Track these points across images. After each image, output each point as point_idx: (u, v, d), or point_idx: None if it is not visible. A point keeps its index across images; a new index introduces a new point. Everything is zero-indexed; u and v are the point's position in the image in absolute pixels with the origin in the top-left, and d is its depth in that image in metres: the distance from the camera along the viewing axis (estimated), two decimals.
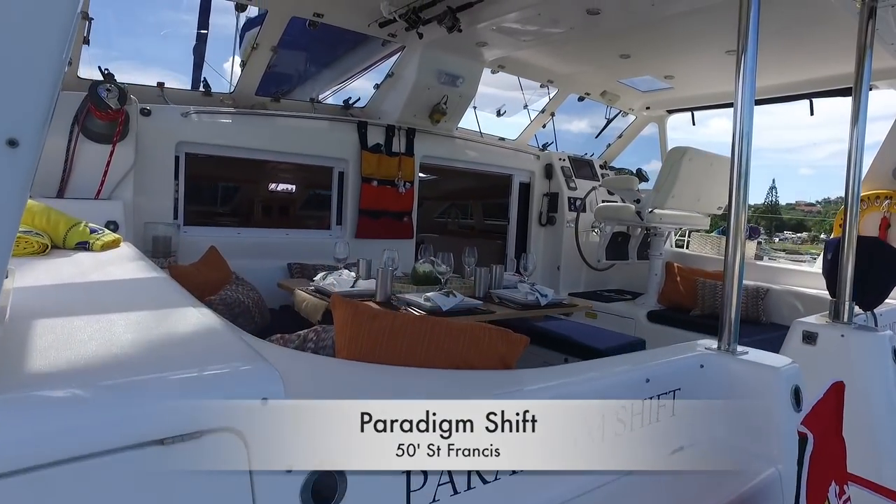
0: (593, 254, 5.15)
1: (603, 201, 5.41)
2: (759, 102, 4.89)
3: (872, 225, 4.31)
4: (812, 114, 4.71)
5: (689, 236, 5.55)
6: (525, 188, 5.47)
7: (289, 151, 4.22)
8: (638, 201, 4.45)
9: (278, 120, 4.11)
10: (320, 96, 4.49)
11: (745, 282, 4.73)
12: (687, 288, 4.70)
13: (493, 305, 3.08)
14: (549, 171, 5.46)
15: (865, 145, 2.71)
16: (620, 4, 3.26)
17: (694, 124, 5.55)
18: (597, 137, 6.03)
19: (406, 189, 4.50)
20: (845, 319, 2.74)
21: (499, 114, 5.52)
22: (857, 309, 2.76)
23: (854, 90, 2.64)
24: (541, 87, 5.20)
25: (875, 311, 3.26)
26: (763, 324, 4.30)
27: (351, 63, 4.61)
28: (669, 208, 4.44)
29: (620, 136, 6.07)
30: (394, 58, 4.42)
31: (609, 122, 5.87)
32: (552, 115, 5.55)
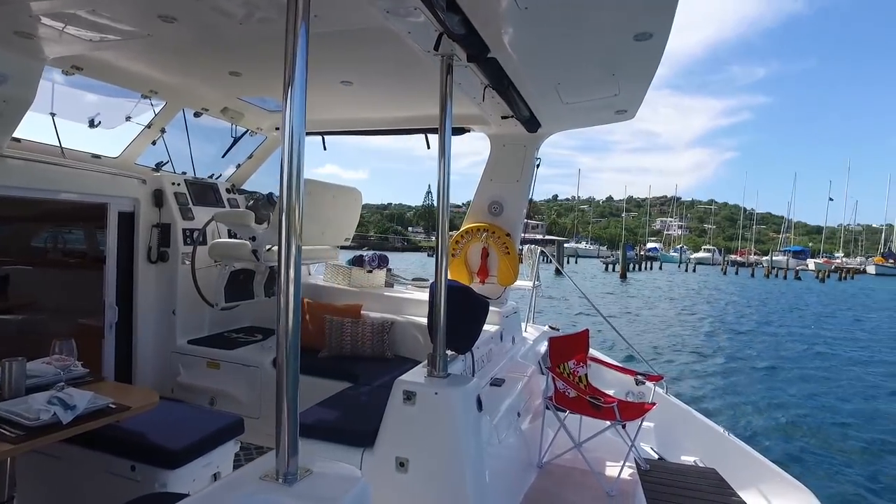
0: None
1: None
2: (382, 133, 4.97)
3: (475, 254, 4.75)
4: (429, 147, 4.97)
5: (327, 268, 5.35)
6: (128, 218, 4.46)
7: None
8: (254, 238, 3.98)
9: None
10: None
11: (373, 315, 4.78)
12: (316, 326, 4.45)
13: None
14: (158, 198, 4.56)
15: None
16: (194, 16, 2.70)
17: (325, 149, 5.38)
18: (223, 157, 5.38)
19: None
20: (440, 372, 2.75)
21: (92, 125, 4.40)
22: None
23: (440, 132, 2.74)
24: (143, 97, 4.29)
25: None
26: (388, 359, 4.32)
27: None
28: None
29: (251, 157, 5.54)
30: None
31: (237, 140, 5.28)
32: (162, 130, 4.67)
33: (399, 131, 4.84)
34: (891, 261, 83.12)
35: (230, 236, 4.83)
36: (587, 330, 4.28)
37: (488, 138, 4.66)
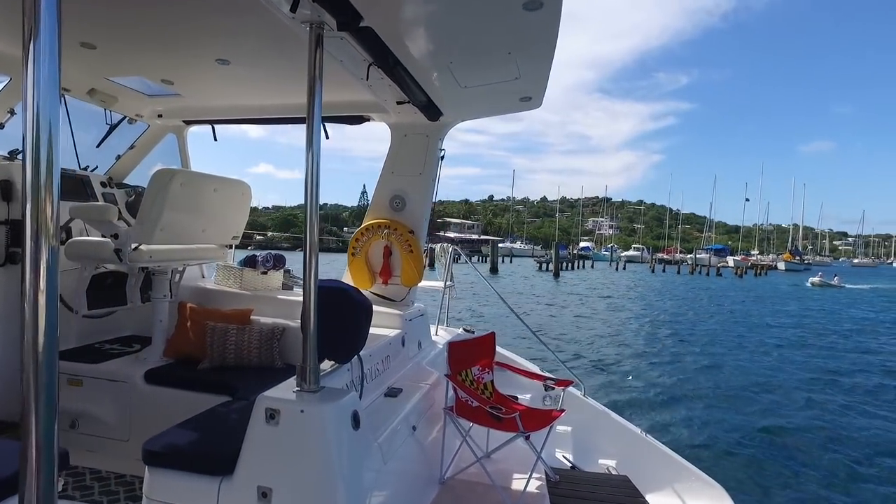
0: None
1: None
2: (271, 122, 4.55)
3: (377, 253, 4.42)
4: (327, 137, 4.60)
5: (218, 270, 4.86)
6: None
7: None
8: (116, 236, 3.48)
9: None
10: None
11: (263, 321, 4.36)
12: (197, 334, 3.98)
13: None
14: (6, 191, 3.96)
15: None
16: None
17: (216, 139, 4.90)
18: (98, 147, 4.79)
19: None
20: (310, 386, 2.41)
21: None
22: None
23: (307, 116, 2.34)
24: None
25: None
26: (277, 368, 3.92)
27: None
28: (162, 243, 3.62)
29: (132, 148, 4.98)
30: None
31: (113, 128, 4.72)
32: (11, 111, 4.08)
33: (288, 120, 4.43)
34: (797, 258, 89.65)
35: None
36: (493, 333, 4.03)
37: (388, 128, 4.34)
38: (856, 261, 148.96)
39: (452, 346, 3.58)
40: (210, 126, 4.80)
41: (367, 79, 3.02)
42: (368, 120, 4.32)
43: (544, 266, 60.02)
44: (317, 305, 2.37)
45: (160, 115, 4.73)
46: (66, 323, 4.20)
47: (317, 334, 2.38)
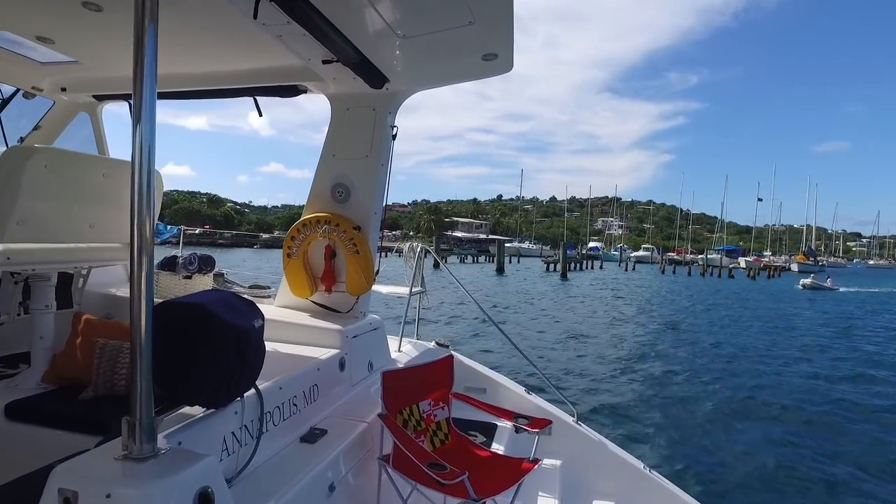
0: None
1: None
2: (191, 95, 3.77)
3: (317, 254, 3.63)
4: (260, 115, 3.81)
5: None
6: None
7: None
8: None
9: None
10: None
11: None
12: (87, 353, 3.20)
13: None
14: None
15: None
16: None
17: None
18: None
19: None
20: (139, 449, 1.62)
21: None
22: None
23: (134, 86, 1.53)
24: None
25: None
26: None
27: None
28: (21, 240, 2.83)
29: (37, 129, 4.21)
30: None
31: (5, 103, 3.96)
32: None
33: (212, 93, 3.65)
34: (811, 259, 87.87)
35: None
36: (450, 357, 3.19)
37: (328, 100, 3.54)
38: (871, 262, 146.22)
39: (387, 376, 2.75)
40: (127, 103, 4.01)
41: (256, 16, 2.24)
42: (304, 91, 3.53)
43: (552, 266, 58.99)
44: (149, 329, 1.60)
45: (63, 89, 3.96)
46: None
47: (150, 368, 1.60)
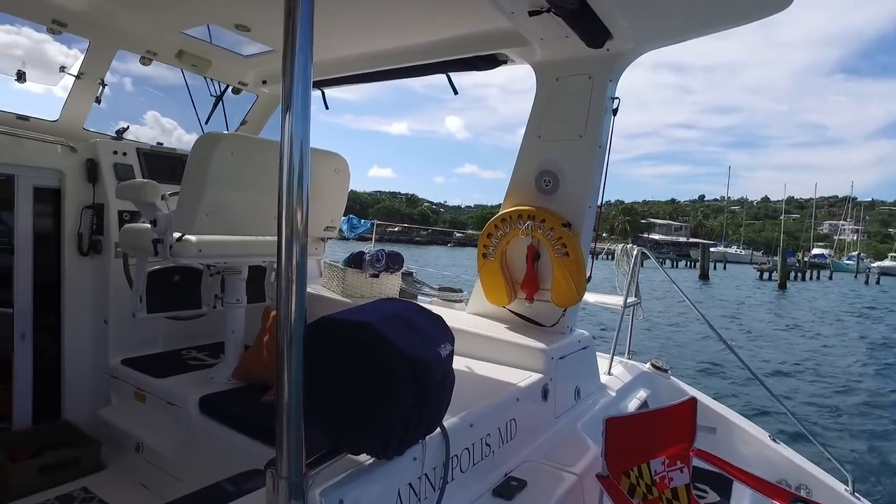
0: None
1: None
2: (385, 76, 3.45)
3: (518, 255, 3.03)
4: (455, 93, 3.36)
5: (323, 268, 3.91)
6: (48, 196, 3.37)
7: None
8: (155, 222, 2.62)
9: None
10: None
11: None
12: (273, 352, 3.02)
13: None
14: (93, 172, 3.42)
15: None
16: None
17: (327, 108, 3.96)
18: (206, 123, 4.17)
19: None
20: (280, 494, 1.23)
21: (20, 78, 3.44)
22: None
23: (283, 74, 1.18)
24: (50, 33, 3.18)
25: None
26: None
27: None
28: (210, 232, 2.68)
29: (244, 123, 4.28)
30: None
31: (218, 100, 4.05)
32: (102, 82, 3.55)
33: (403, 71, 3.27)
34: None
35: None
36: (692, 400, 2.33)
37: (533, 71, 2.92)
38: None
39: (612, 425, 2.03)
40: (321, 92, 3.86)
41: None
42: (504, 62, 2.97)
43: (766, 275, 51.87)
44: (301, 349, 1.18)
45: (264, 82, 3.93)
46: (155, 324, 3.59)
47: (301, 410, 1.20)
